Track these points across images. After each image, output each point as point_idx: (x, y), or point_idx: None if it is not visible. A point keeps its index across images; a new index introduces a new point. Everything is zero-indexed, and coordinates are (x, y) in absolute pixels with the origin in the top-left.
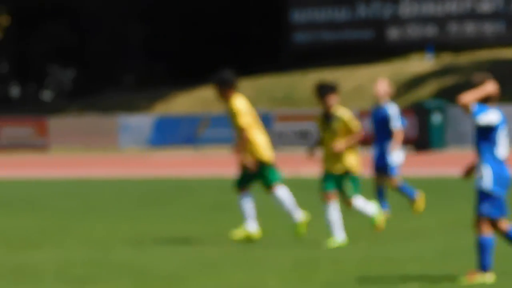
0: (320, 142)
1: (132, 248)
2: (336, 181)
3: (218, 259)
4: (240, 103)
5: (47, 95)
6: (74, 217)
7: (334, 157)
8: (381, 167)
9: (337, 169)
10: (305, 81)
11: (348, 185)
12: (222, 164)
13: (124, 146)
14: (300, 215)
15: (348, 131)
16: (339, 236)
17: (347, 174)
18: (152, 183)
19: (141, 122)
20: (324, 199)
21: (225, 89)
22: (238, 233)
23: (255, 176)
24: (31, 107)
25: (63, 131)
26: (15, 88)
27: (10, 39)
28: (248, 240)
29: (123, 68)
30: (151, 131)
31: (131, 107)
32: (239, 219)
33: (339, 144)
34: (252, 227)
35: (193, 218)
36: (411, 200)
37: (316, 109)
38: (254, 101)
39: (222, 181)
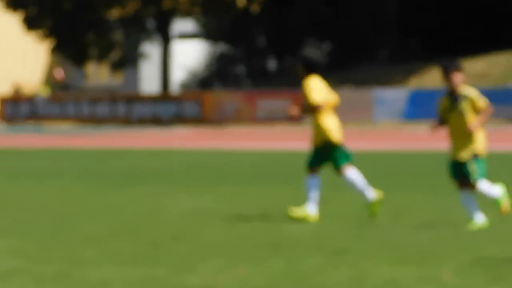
0: (444, 124)
1: (388, 221)
2: (463, 167)
3: (471, 234)
4: (314, 82)
5: None
6: (332, 189)
7: (463, 140)
8: None
9: (465, 155)
10: None
11: (474, 168)
12: None
13: (379, 119)
14: (372, 195)
15: (475, 109)
16: (478, 218)
17: (475, 157)
18: (406, 156)
19: (396, 95)
20: (458, 187)
21: (306, 71)
22: (297, 211)
23: (326, 157)
24: (287, 80)
25: None
26: (272, 61)
27: (267, 13)
28: (304, 220)
29: (377, 43)
30: (406, 105)
31: (386, 81)
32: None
33: (473, 123)
34: (312, 210)
35: (446, 192)
36: None
37: None
38: (506, 76)
39: None
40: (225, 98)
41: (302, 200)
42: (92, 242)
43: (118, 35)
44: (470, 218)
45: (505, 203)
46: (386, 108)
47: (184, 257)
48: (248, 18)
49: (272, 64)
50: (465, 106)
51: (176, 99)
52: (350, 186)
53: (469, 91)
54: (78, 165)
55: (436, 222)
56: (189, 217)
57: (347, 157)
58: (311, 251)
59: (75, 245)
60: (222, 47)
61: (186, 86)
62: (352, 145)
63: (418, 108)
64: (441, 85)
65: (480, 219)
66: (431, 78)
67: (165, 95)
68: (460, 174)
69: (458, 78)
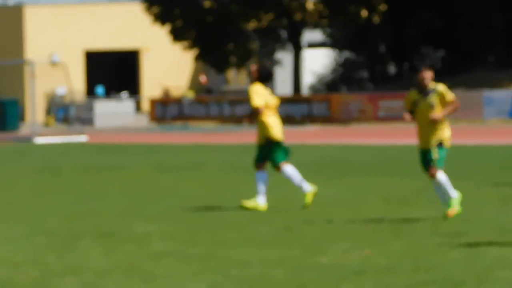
0: (413, 117)
1: (495, 206)
2: (428, 154)
3: None
4: (257, 88)
5: None
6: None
7: (430, 130)
8: None
9: (432, 142)
10: None
11: (436, 155)
12: None
13: (488, 118)
14: (308, 187)
15: (443, 102)
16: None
17: (439, 144)
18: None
19: (503, 96)
20: (431, 175)
21: (257, 77)
22: (248, 203)
23: (268, 154)
24: (405, 83)
25: None
26: (391, 66)
27: (387, 23)
28: (255, 210)
29: (486, 50)
30: (511, 105)
31: (494, 84)
32: None
33: (437, 113)
34: (261, 201)
35: None
36: None
37: None
38: None
39: None
40: (350, 100)
41: (415, 188)
42: (233, 226)
43: (254, 45)
44: (444, 206)
45: (455, 207)
46: (494, 107)
47: (315, 239)
48: (370, 28)
49: (391, 69)
50: (434, 99)
51: (306, 101)
52: (289, 180)
53: (438, 86)
54: (220, 159)
55: None
56: (318, 204)
57: (285, 155)
58: (428, 234)
59: (218, 229)
60: (346, 54)
61: (315, 89)
62: (465, 140)
63: None
64: None
65: (455, 206)
66: None
67: (296, 97)
68: (427, 163)
69: (428, 75)
